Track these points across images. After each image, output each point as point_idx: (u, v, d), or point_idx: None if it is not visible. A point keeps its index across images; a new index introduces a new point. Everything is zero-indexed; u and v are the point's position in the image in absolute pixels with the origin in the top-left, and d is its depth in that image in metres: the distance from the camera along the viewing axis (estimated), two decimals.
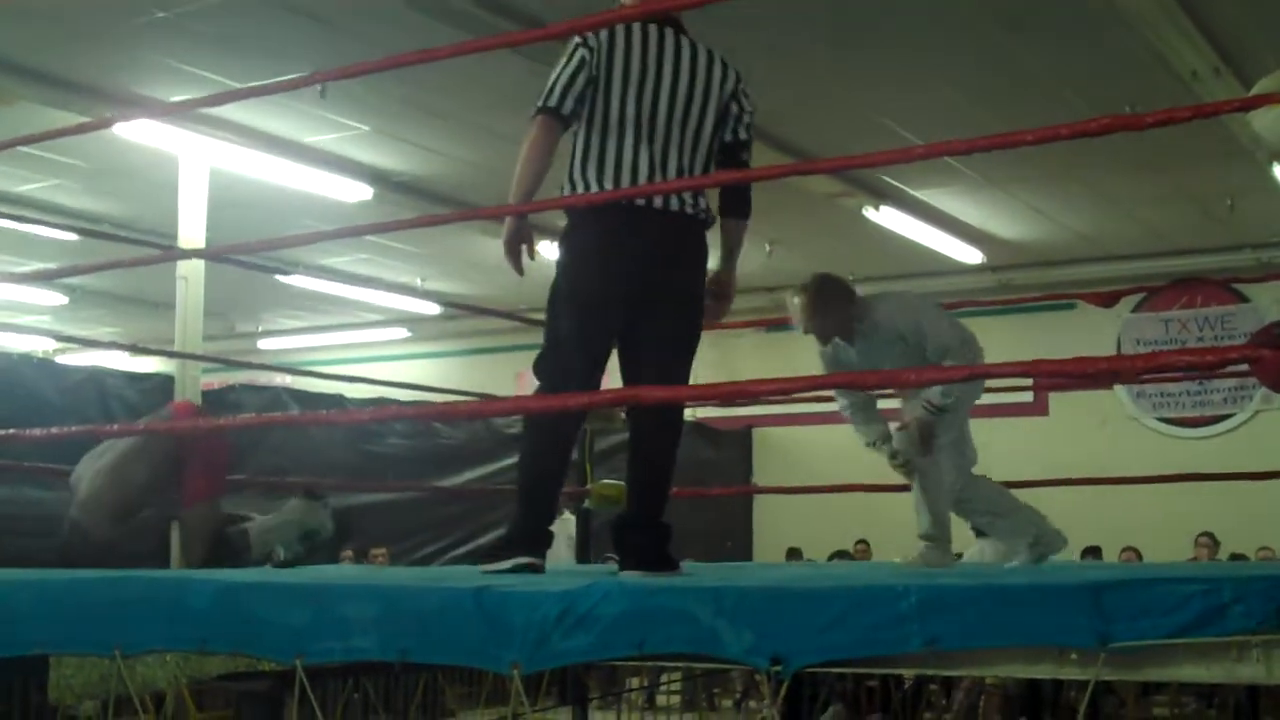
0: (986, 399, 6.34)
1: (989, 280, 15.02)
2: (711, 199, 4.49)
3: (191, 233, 10.70)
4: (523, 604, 3.03)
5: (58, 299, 17.13)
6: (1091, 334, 13.79)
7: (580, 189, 4.29)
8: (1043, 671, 2.84)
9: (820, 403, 9.22)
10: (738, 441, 16.65)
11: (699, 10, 3.75)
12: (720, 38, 8.80)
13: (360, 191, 11.66)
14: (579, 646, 2.96)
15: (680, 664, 3.18)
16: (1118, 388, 14.20)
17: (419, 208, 11.91)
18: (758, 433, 16.84)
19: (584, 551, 7.57)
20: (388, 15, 8.29)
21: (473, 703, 11.24)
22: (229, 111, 10.01)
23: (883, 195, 12.45)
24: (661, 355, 4.37)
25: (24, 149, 9.76)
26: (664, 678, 11.64)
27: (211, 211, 10.73)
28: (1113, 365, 2.95)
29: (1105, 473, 8.41)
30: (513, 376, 17.70)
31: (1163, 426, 14.75)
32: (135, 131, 10.07)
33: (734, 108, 4.50)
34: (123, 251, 8.50)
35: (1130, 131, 3.13)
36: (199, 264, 10.62)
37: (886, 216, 12.77)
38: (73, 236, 11.22)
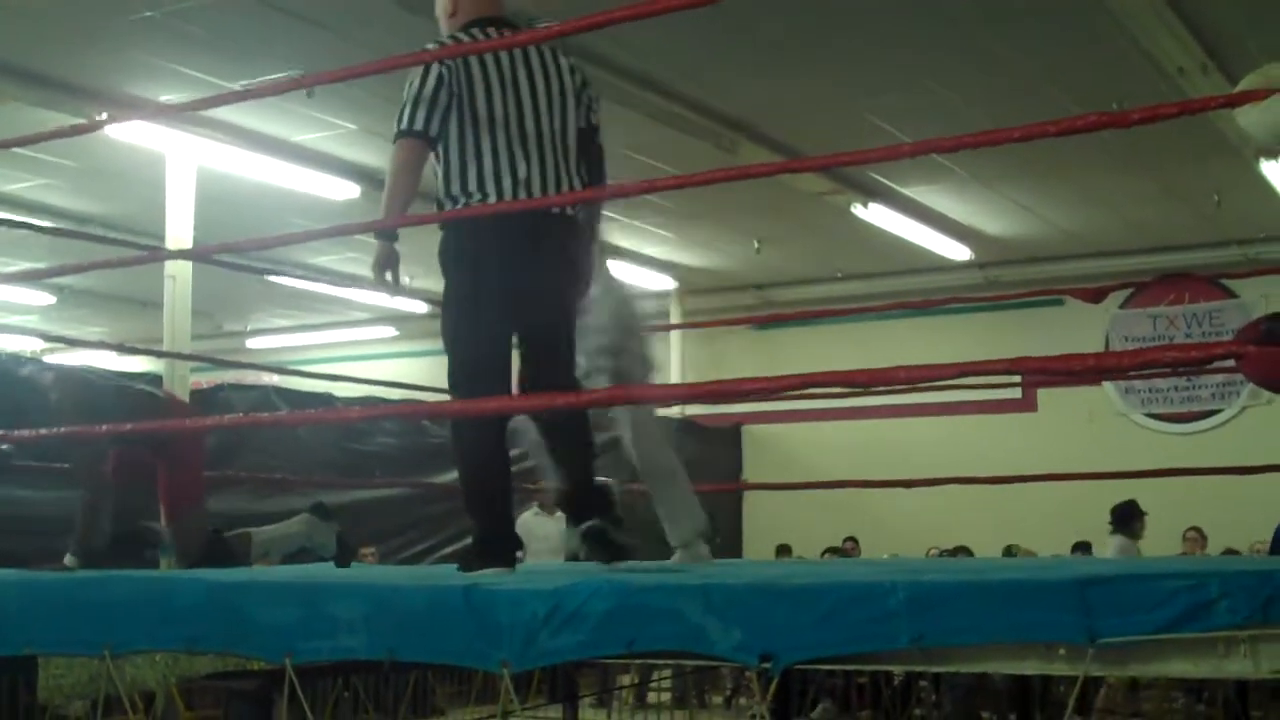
0: (975, 395, 6.32)
1: (977, 277, 15.05)
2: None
3: (179, 232, 10.69)
4: (511, 602, 3.03)
5: (46, 299, 17.10)
6: (1079, 330, 13.81)
7: (463, 202, 4.32)
8: (1031, 667, 2.84)
9: (809, 400, 9.23)
10: (727, 438, 16.65)
11: (688, 12, 3.75)
12: (711, 39, 8.86)
13: (348, 190, 11.65)
14: (568, 645, 2.96)
15: (670, 661, 3.18)
16: (1106, 384, 14.24)
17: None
18: (747, 430, 16.86)
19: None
20: (376, 15, 8.28)
21: (463, 701, 11.25)
22: (216, 110, 9.99)
23: (871, 193, 12.47)
24: (562, 354, 4.48)
25: (13, 149, 9.74)
26: (653, 675, 11.65)
27: (199, 210, 10.72)
28: (1099, 362, 2.95)
29: (1094, 468, 8.41)
30: None
31: (1151, 422, 14.79)
32: (123, 131, 10.05)
33: (584, 96, 4.59)
34: (111, 251, 8.51)
35: (1117, 128, 3.14)
36: (187, 263, 10.61)
37: (875, 214, 12.78)
38: (59, 237, 11.19)
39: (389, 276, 4.40)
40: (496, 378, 4.32)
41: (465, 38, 4.36)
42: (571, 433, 4.47)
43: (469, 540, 4.52)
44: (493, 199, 4.27)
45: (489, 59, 4.32)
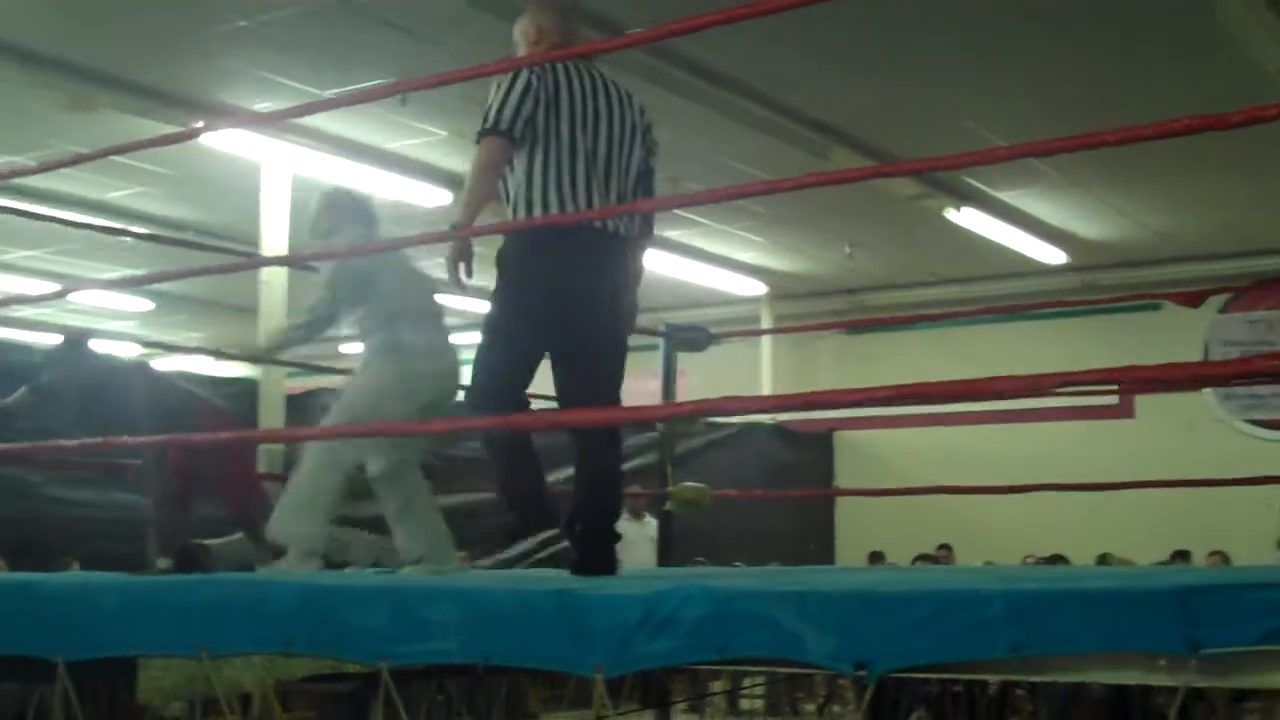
0: (1071, 402, 6.23)
1: (1072, 281, 14.88)
2: None
3: (274, 238, 10.81)
4: (604, 607, 3.03)
5: (144, 304, 17.35)
6: (1177, 335, 13.62)
7: (539, 211, 4.40)
8: (1130, 677, 2.79)
9: (902, 406, 9.18)
10: (819, 444, 16.59)
11: (779, 17, 3.73)
12: (803, 45, 8.83)
13: (439, 196, 11.72)
14: (662, 650, 2.95)
15: (763, 668, 3.16)
16: (1206, 390, 14.01)
17: (499, 213, 11.94)
18: (839, 435, 16.78)
19: (666, 553, 7.55)
20: (466, 21, 8.33)
21: (555, 706, 11.29)
22: (311, 119, 10.10)
23: (964, 196, 12.37)
24: (601, 374, 4.57)
25: (112, 157, 9.90)
26: (746, 681, 11.61)
27: (293, 216, 10.84)
28: (1202, 370, 2.89)
29: (1192, 476, 8.30)
30: None
31: (1252, 429, 14.53)
32: (218, 139, 10.18)
33: (649, 137, 4.69)
34: (207, 258, 8.62)
35: (1215, 130, 3.08)
36: (281, 269, 10.72)
37: (968, 218, 12.68)
38: (157, 243, 11.35)
39: (461, 270, 4.48)
40: (519, 383, 4.48)
41: (559, 63, 4.46)
42: (599, 468, 4.65)
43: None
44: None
45: (574, 81, 4.44)
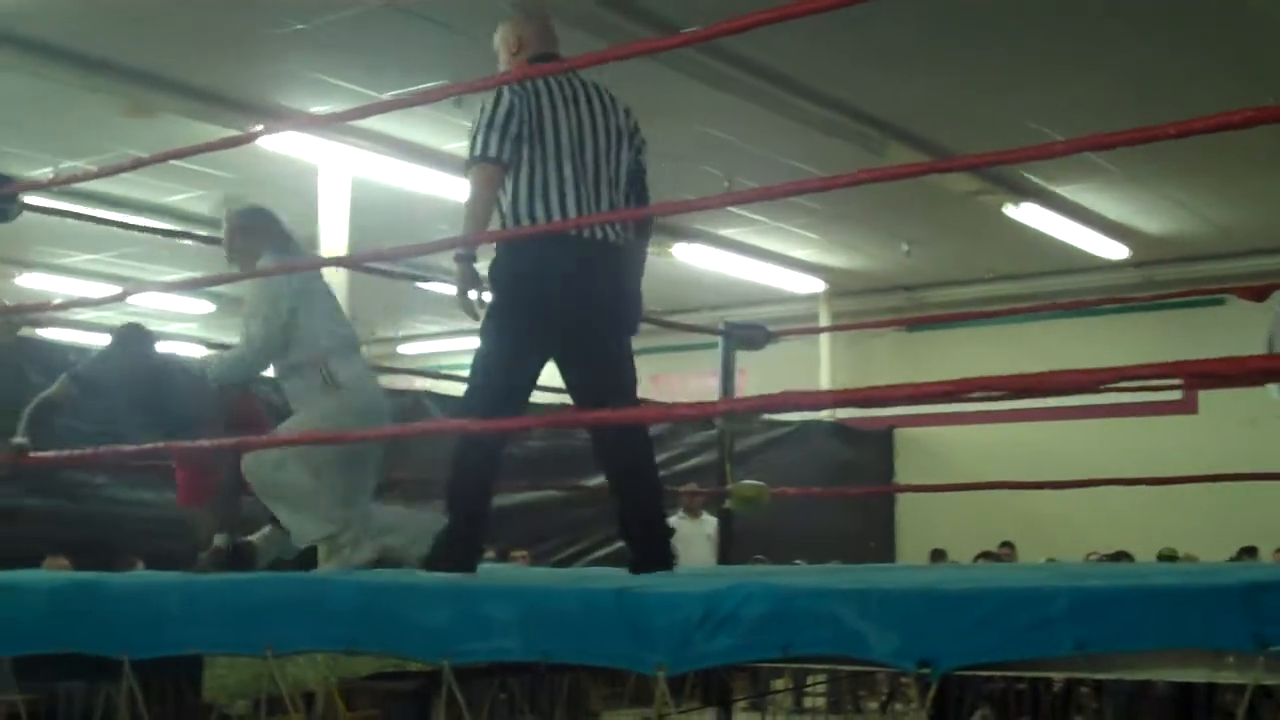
0: (1132, 397, 6.17)
1: (1134, 276, 14.76)
2: None
3: (333, 240, 10.87)
4: (665, 605, 3.03)
5: (205, 306, 17.51)
6: (1241, 329, 13.30)
7: (526, 223, 4.43)
8: (1197, 675, 2.77)
9: (962, 403, 9.12)
10: (879, 442, 16.53)
11: (834, 13, 3.71)
12: (858, 41, 8.79)
13: None
14: (723, 648, 2.94)
15: (825, 666, 3.15)
16: (1270, 385, 13.84)
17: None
18: (899, 433, 16.71)
19: (725, 551, 7.55)
20: None
21: (617, 703, 11.30)
22: (367, 121, 10.15)
23: (1023, 192, 12.29)
24: (607, 380, 4.59)
25: (171, 161, 9.99)
26: (808, 680, 11.59)
27: (351, 218, 10.90)
28: (1267, 364, 2.85)
29: (1257, 471, 8.19)
30: (648, 378, 17.74)
31: None
32: (277, 142, 10.26)
33: (637, 139, 4.72)
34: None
35: (1276, 122, 3.04)
36: (341, 270, 10.78)
37: (1027, 213, 12.60)
38: (218, 246, 11.44)
39: (472, 296, 4.45)
40: (518, 394, 4.49)
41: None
42: (631, 465, 4.58)
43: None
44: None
45: (556, 92, 4.48)
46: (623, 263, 4.59)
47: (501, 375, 4.48)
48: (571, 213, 4.42)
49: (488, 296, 4.45)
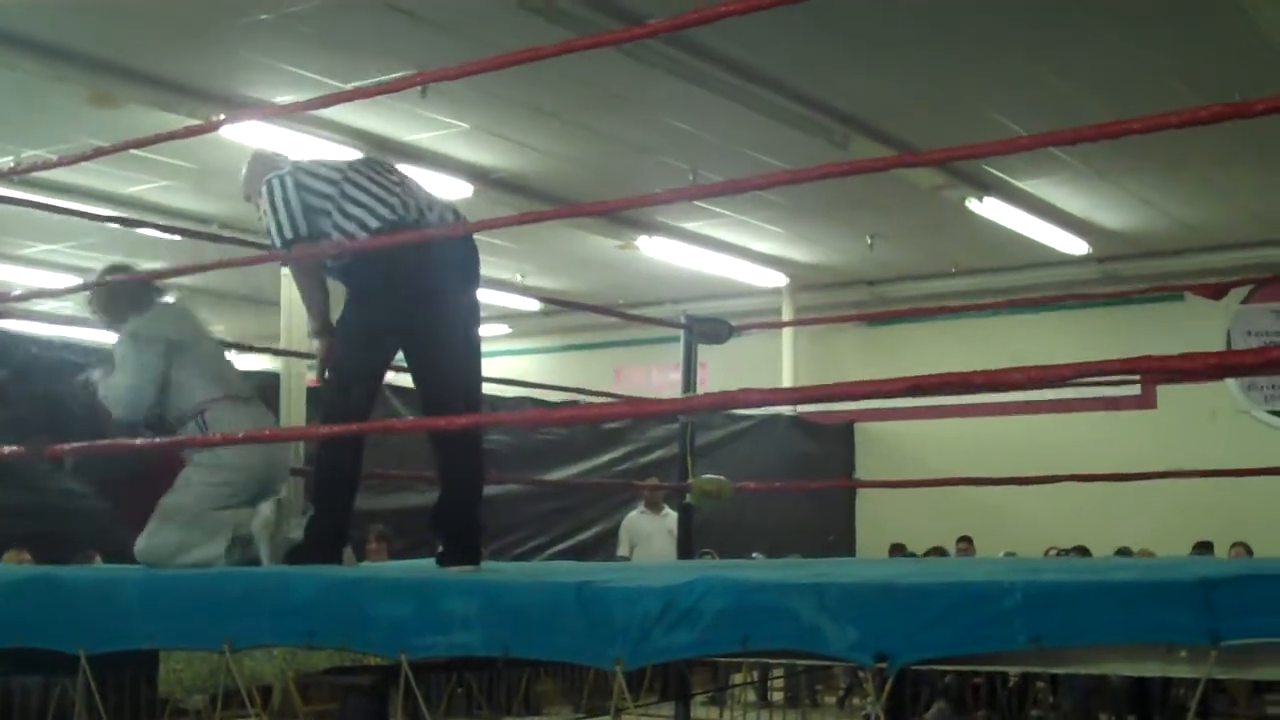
0: (1092, 392, 6.20)
1: (1094, 271, 14.84)
2: None
3: None
4: (624, 600, 3.03)
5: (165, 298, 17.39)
6: (1200, 325, 13.57)
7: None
8: (1151, 669, 2.79)
9: (923, 397, 9.15)
10: (840, 436, 16.57)
11: (800, 6, 3.72)
12: (823, 34, 8.81)
13: (460, 189, 11.73)
14: (682, 642, 2.95)
15: (784, 660, 3.16)
16: (1228, 380, 13.96)
17: (519, 204, 11.98)
18: (860, 427, 16.75)
19: (686, 546, 7.56)
20: (488, 13, 8.34)
21: (574, 698, 11.30)
22: (331, 111, 10.11)
23: (986, 187, 12.34)
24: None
25: (133, 151, 9.94)
26: (770, 674, 11.61)
27: None
28: (1222, 360, 2.87)
29: (1215, 467, 8.25)
30: (611, 371, 17.76)
31: (1274, 419, 14.48)
32: (241, 132, 10.20)
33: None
34: (229, 251, 8.63)
35: (1240, 119, 3.06)
36: None
37: (991, 208, 12.64)
38: (179, 237, 11.40)
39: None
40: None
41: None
42: (465, 463, 4.68)
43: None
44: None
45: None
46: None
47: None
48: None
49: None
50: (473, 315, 4.83)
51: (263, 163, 4.91)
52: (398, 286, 4.50)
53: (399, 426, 4.58)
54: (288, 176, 4.61)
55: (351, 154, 11.01)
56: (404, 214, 4.59)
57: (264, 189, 4.61)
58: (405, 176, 4.88)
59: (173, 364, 4.83)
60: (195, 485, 4.71)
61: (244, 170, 4.98)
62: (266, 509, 4.68)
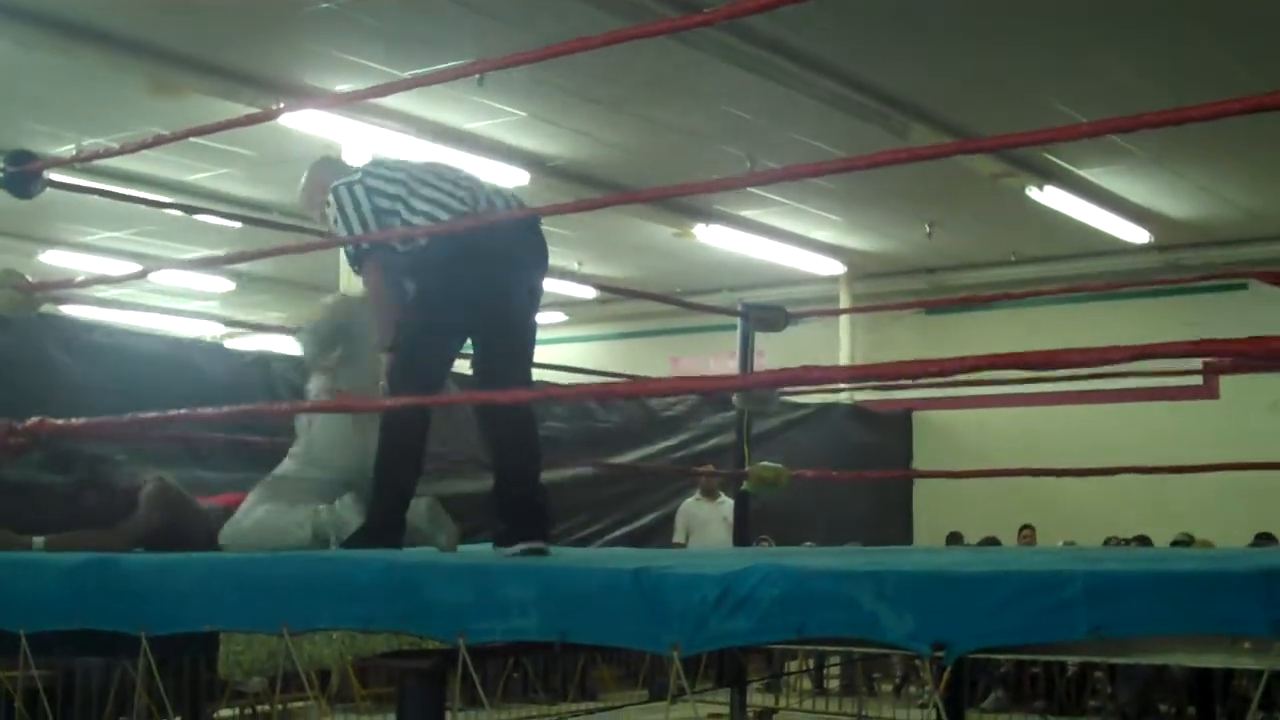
0: (1153, 381, 6.14)
1: (1156, 260, 14.71)
2: None
3: None
4: (681, 586, 3.03)
5: (225, 284, 17.55)
6: (1264, 315, 13.32)
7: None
8: (1214, 660, 2.77)
9: (981, 385, 9.09)
10: (897, 424, 16.50)
11: None
12: (881, 20, 8.77)
13: (517, 176, 11.75)
14: (739, 629, 2.94)
15: (840, 648, 3.15)
16: None
17: (575, 192, 11.99)
18: (918, 415, 16.68)
19: (742, 533, 7.56)
20: (545, 2, 8.35)
21: (631, 684, 11.33)
22: (389, 100, 10.16)
23: (1047, 175, 12.25)
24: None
25: (193, 139, 10.02)
26: (826, 661, 11.60)
27: None
28: None
29: (1278, 458, 8.17)
30: (666, 359, 17.76)
31: None
32: (299, 121, 10.27)
33: None
34: (288, 238, 8.69)
35: None
36: None
37: (1050, 196, 12.55)
38: (238, 224, 11.48)
39: None
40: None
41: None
42: (516, 439, 4.69)
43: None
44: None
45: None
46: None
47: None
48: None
49: None
50: (535, 302, 4.86)
51: (327, 170, 4.97)
52: (470, 271, 4.53)
53: (460, 399, 4.57)
54: (357, 184, 4.63)
55: (410, 142, 11.07)
56: (473, 205, 4.63)
57: (332, 197, 4.64)
58: (472, 174, 4.88)
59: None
60: (291, 479, 4.98)
61: (303, 179, 5.05)
62: (345, 501, 4.80)
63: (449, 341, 4.74)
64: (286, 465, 5.13)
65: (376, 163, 4.84)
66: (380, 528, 4.52)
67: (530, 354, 4.85)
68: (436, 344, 4.68)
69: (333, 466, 5.00)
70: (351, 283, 10.78)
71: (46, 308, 6.62)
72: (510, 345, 4.73)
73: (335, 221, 4.64)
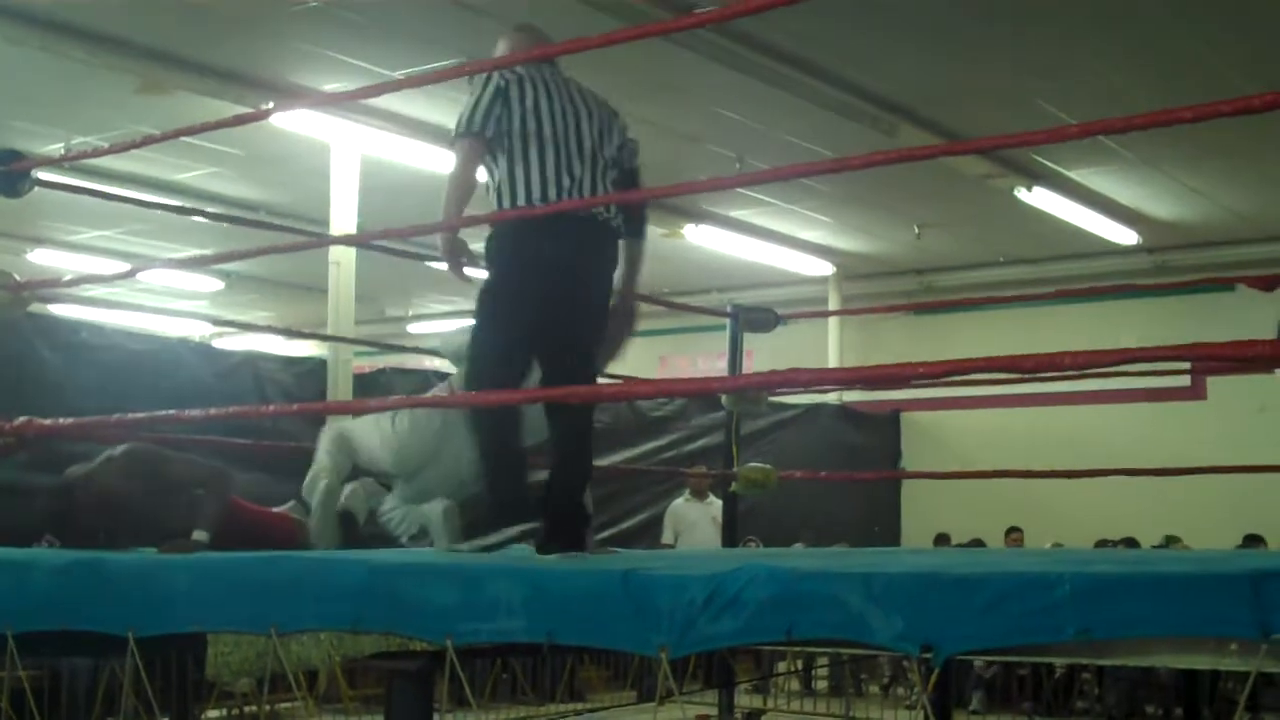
0: (1141, 383, 6.15)
1: (1145, 262, 14.72)
2: None
3: (343, 218, 10.88)
4: (670, 587, 3.03)
5: (214, 284, 17.52)
6: (1251, 318, 13.29)
7: (522, 203, 4.62)
8: (1201, 662, 2.77)
9: (970, 386, 9.09)
10: (885, 425, 16.51)
11: None
12: (871, 22, 8.77)
13: None
14: (727, 630, 2.95)
15: (828, 649, 3.15)
16: (1278, 372, 13.81)
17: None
18: (906, 416, 16.69)
19: (730, 534, 7.56)
20: (537, 2, 8.34)
21: (619, 685, 11.33)
22: (379, 99, 10.14)
23: (1035, 176, 12.26)
24: (581, 353, 4.76)
25: (182, 138, 10.00)
26: (815, 663, 11.60)
27: (362, 197, 10.90)
28: (1274, 349, 2.84)
29: (1265, 460, 8.18)
30: (656, 360, 17.75)
31: None
32: (289, 120, 10.25)
33: (628, 147, 4.95)
34: (277, 237, 8.68)
35: None
36: (350, 249, 10.79)
37: (1039, 198, 12.56)
38: (226, 224, 11.46)
39: (462, 261, 4.69)
40: (517, 366, 4.66)
41: (521, 69, 4.71)
42: (571, 445, 4.70)
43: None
44: (539, 205, 4.58)
45: (544, 87, 4.71)
46: (612, 241, 4.78)
47: (502, 366, 4.62)
48: (564, 194, 4.60)
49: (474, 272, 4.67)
50: (605, 297, 4.86)
51: (514, 42, 4.98)
52: (544, 264, 4.54)
53: (516, 398, 4.58)
54: (502, 80, 4.63)
55: (401, 141, 11.06)
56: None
57: (483, 76, 4.65)
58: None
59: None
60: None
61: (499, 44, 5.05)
62: (437, 507, 5.05)
63: (525, 344, 4.70)
64: None
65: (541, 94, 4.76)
66: (503, 509, 4.63)
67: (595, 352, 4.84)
68: (509, 343, 4.66)
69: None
70: (340, 282, 10.79)
71: (35, 307, 6.61)
72: (577, 342, 4.72)
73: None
